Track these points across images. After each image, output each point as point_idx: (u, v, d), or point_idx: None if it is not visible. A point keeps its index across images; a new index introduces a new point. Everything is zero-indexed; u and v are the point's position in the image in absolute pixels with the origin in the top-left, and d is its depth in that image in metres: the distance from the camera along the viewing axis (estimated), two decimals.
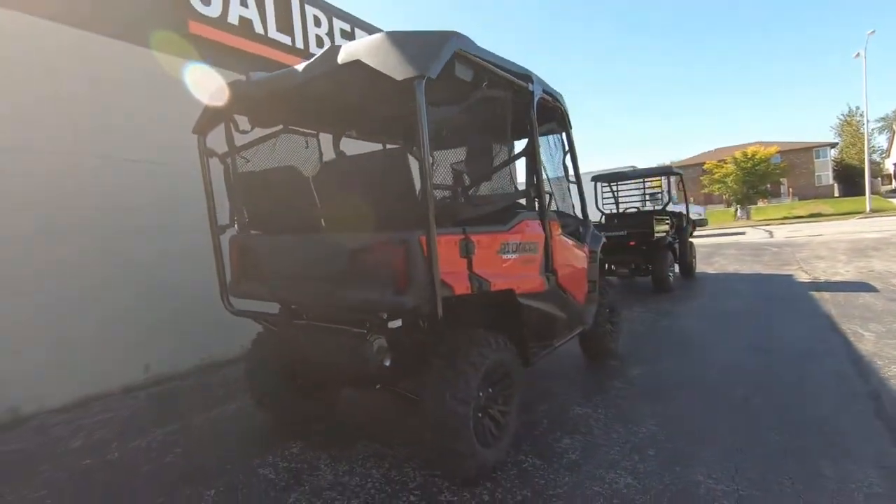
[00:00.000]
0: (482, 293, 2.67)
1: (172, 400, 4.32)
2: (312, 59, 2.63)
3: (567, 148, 4.21)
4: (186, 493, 2.69)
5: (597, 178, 9.60)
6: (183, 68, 5.20)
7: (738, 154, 33.30)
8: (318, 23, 6.99)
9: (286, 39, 6.49)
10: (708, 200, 43.95)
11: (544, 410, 3.57)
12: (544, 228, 3.32)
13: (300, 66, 2.68)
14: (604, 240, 4.57)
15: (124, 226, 4.75)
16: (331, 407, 3.67)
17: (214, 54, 5.59)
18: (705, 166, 40.33)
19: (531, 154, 3.26)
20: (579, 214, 4.35)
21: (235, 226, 3.27)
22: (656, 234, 8.10)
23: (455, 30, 2.43)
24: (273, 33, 6.31)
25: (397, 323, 2.84)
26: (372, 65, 2.28)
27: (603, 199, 9.71)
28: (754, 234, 19.17)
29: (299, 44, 6.67)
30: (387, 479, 2.73)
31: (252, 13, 6.05)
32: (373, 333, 2.61)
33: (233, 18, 5.82)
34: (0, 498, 2.76)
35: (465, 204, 2.92)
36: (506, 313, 3.08)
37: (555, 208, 4.04)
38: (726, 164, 34.08)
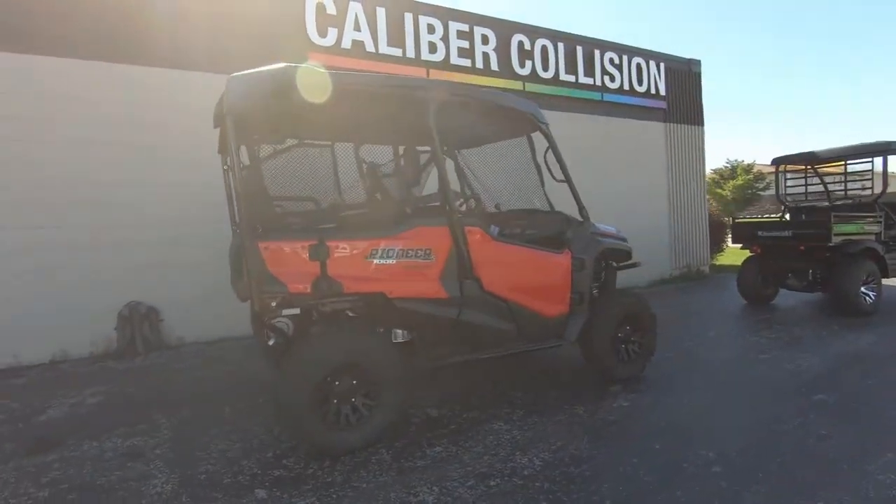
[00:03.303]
0: (333, 294, 2.97)
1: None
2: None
3: (548, 146, 3.83)
4: (186, 408, 3.84)
5: (778, 161, 7.51)
6: None
7: None
8: (431, 30, 7.60)
9: (397, 52, 7.32)
10: None
11: (468, 417, 3.53)
12: (454, 234, 3.27)
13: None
14: (604, 245, 3.95)
15: None
16: None
17: None
18: None
19: (436, 160, 3.25)
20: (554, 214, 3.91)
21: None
22: (836, 238, 5.99)
23: (286, 64, 2.76)
24: (384, 49, 7.22)
25: (295, 311, 3.34)
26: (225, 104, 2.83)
27: (786, 188, 7.54)
28: None
29: (410, 54, 7.42)
30: (278, 436, 3.34)
31: (364, 35, 7.07)
32: (266, 317, 3.24)
33: (346, 44, 6.96)
34: (119, 386, 4.49)
35: (327, 213, 3.19)
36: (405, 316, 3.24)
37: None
38: None
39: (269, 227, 3.11)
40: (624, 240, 4.29)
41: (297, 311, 3.27)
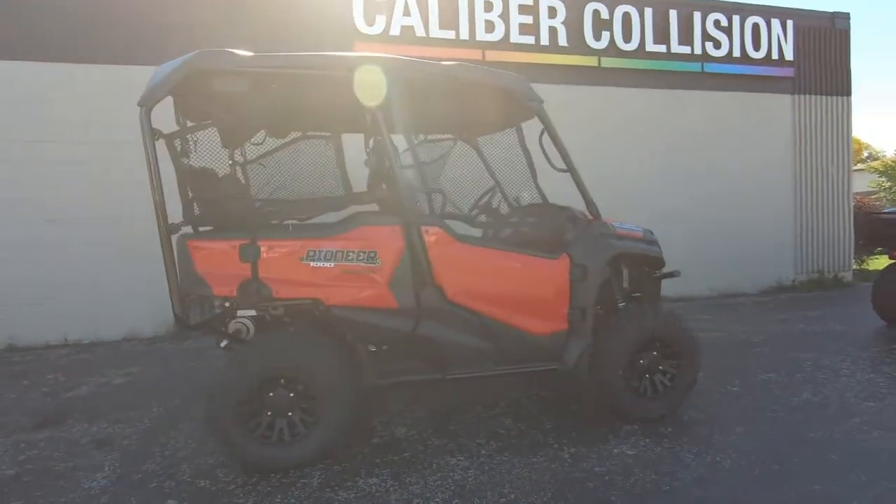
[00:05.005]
0: (261, 299, 2.74)
1: None
2: None
3: (542, 129, 3.14)
4: (182, 397, 3.95)
5: None
6: None
7: None
8: (489, 7, 7.01)
9: (450, 35, 6.89)
10: None
11: (432, 444, 3.08)
12: (408, 235, 2.83)
13: None
14: (617, 249, 3.16)
15: None
16: None
17: None
18: None
19: (385, 150, 2.80)
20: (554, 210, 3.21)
21: None
22: None
23: (197, 50, 2.54)
24: (435, 32, 6.83)
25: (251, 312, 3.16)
26: None
27: None
28: None
29: (464, 36, 6.93)
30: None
31: (414, 20, 6.74)
32: (225, 319, 3.13)
33: (394, 31, 6.70)
34: (150, 368, 4.82)
35: (260, 209, 2.90)
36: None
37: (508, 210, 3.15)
38: None
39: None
40: (652, 243, 3.42)
41: (253, 312, 3.11)
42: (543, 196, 3.52)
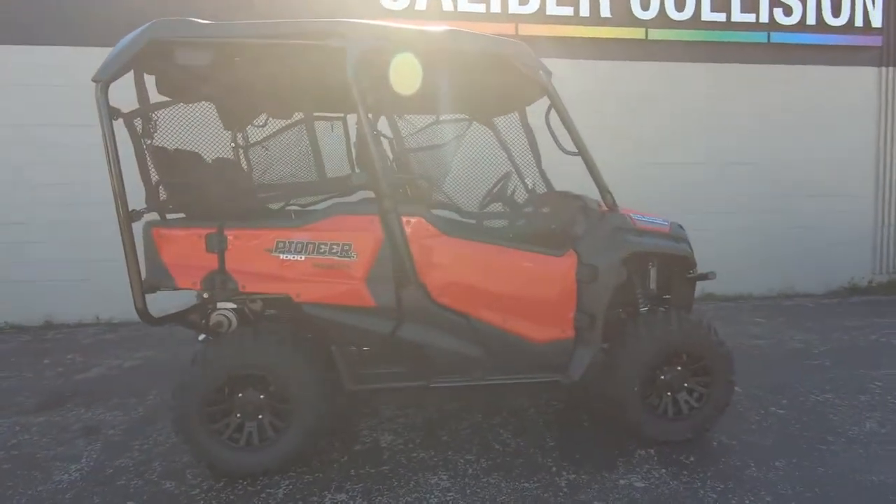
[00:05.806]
0: (228, 293, 2.54)
1: None
2: None
3: (549, 105, 2.70)
4: None
5: None
6: None
7: None
8: None
9: (479, 8, 6.42)
10: None
11: (417, 457, 2.80)
12: (387, 226, 2.52)
13: None
14: (634, 246, 2.70)
15: None
16: None
17: None
18: None
19: (363, 129, 2.48)
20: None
21: None
22: None
23: (154, 20, 2.31)
24: (464, 6, 6.38)
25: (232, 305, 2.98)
26: None
27: None
28: None
29: (495, 9, 6.44)
30: None
31: None
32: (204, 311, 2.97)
33: (420, 5, 6.31)
34: (162, 352, 4.83)
35: (231, 195, 2.64)
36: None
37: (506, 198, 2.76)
38: None
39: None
40: (680, 240, 2.92)
41: (233, 305, 2.93)
42: (549, 183, 3.09)
